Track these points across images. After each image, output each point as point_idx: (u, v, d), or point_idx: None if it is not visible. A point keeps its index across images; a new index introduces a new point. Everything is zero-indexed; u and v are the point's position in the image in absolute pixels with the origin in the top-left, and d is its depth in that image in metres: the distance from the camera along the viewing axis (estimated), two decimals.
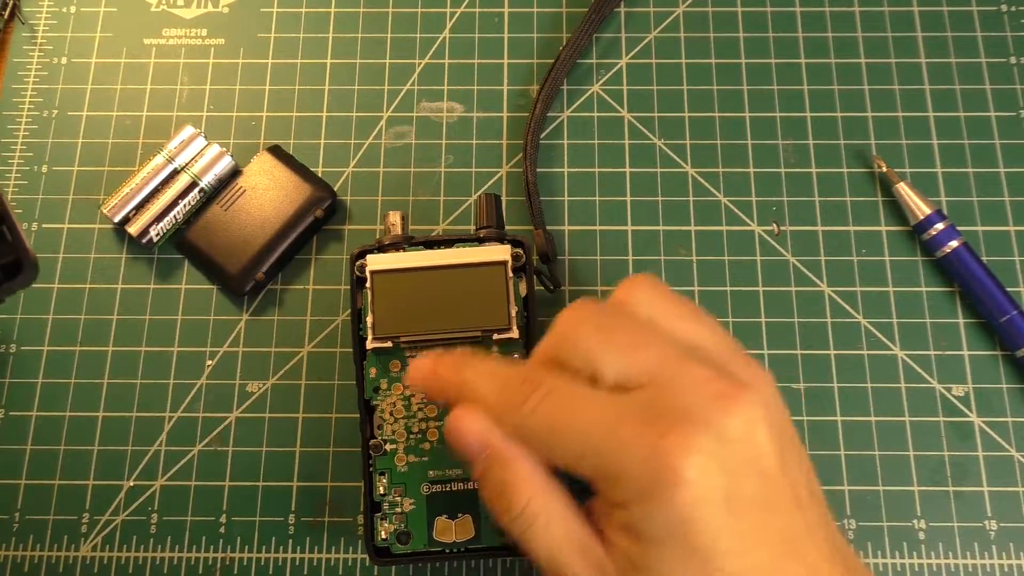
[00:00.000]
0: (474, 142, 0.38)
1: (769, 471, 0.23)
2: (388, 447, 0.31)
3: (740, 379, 0.24)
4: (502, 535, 0.30)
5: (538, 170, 0.37)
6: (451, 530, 0.30)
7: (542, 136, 0.38)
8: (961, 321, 0.35)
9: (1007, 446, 0.34)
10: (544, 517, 0.24)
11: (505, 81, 0.39)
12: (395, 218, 0.32)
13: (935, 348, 0.35)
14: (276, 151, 0.37)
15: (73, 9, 0.41)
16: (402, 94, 0.39)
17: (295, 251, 0.37)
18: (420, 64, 0.40)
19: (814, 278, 0.36)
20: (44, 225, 0.37)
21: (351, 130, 0.39)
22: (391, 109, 0.39)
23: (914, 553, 0.33)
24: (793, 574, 0.23)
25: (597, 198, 0.37)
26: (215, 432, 0.35)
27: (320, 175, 0.37)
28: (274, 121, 0.39)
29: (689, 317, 0.26)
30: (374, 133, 0.39)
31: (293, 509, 0.34)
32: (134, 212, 0.36)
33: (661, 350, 0.24)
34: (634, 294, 0.26)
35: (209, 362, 0.36)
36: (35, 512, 0.34)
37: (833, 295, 0.36)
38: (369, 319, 0.31)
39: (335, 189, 0.37)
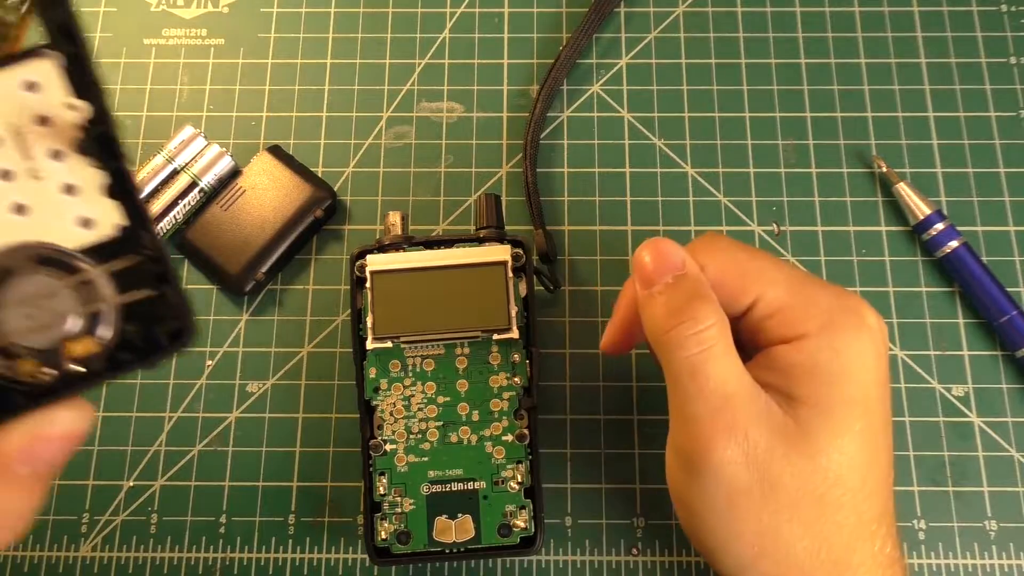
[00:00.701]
0: (474, 142, 0.38)
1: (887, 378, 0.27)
2: (388, 447, 0.31)
3: None
4: (502, 535, 0.30)
5: (538, 170, 0.37)
6: (451, 530, 0.30)
7: (542, 136, 0.38)
8: (961, 321, 0.35)
9: (1007, 446, 0.34)
10: (722, 345, 0.25)
11: (505, 81, 0.39)
12: (395, 218, 0.32)
13: (935, 348, 0.35)
14: (276, 151, 0.37)
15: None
16: (402, 94, 0.39)
17: (295, 251, 0.37)
18: (420, 64, 0.40)
19: None
20: None
21: (351, 130, 0.39)
22: (391, 109, 0.39)
23: (914, 553, 0.33)
24: (885, 463, 0.26)
25: (597, 198, 0.37)
26: (215, 432, 0.35)
27: (320, 175, 0.37)
28: (274, 121, 0.39)
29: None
30: (374, 133, 0.39)
31: (293, 509, 0.34)
32: None
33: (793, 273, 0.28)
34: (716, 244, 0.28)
35: (209, 362, 0.36)
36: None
37: None
38: (369, 319, 0.31)
39: (335, 189, 0.37)
